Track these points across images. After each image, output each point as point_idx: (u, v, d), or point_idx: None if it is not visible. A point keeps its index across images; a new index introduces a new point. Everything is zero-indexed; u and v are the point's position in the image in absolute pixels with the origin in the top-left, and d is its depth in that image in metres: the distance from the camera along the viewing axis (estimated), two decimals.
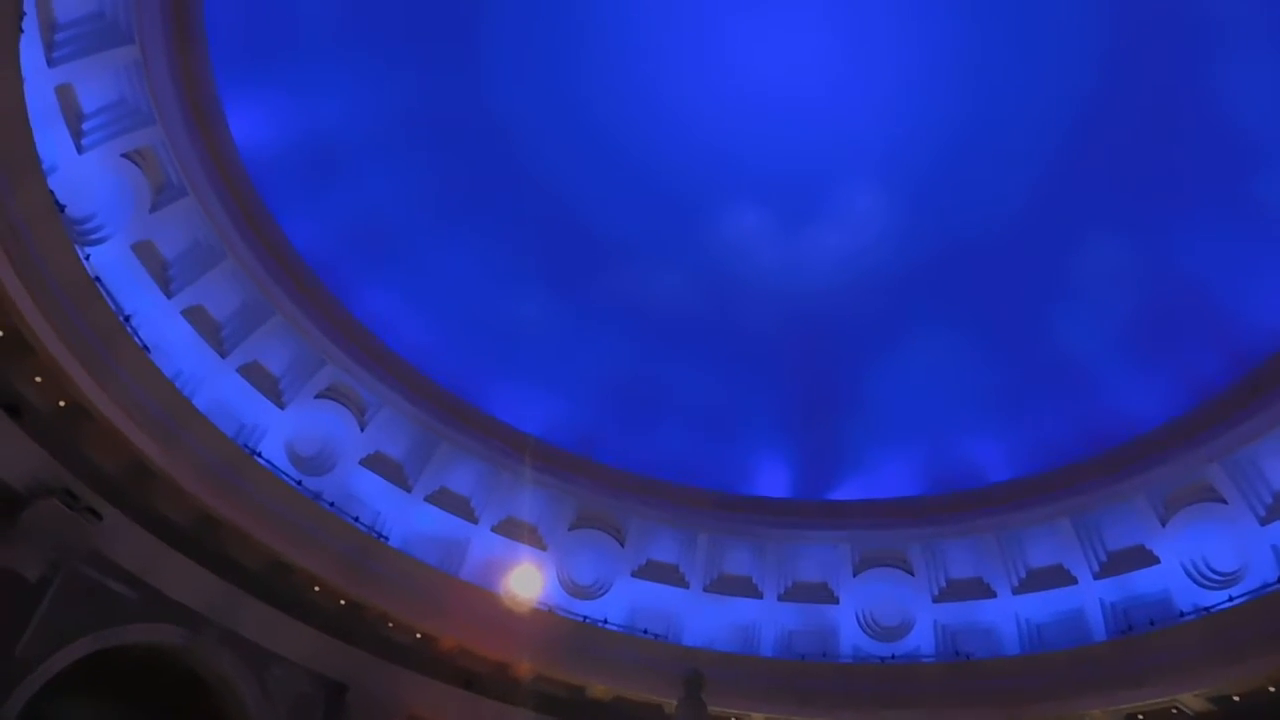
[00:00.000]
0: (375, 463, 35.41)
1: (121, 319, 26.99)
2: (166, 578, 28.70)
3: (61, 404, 26.00)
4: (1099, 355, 36.01)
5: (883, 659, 34.30)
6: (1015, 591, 34.25)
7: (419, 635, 33.06)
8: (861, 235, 38.48)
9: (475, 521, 36.37)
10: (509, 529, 36.71)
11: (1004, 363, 37.81)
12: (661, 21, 36.09)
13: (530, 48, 36.47)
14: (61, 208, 24.31)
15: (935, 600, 35.25)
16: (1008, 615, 34.12)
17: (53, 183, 23.49)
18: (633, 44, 36.47)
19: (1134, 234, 34.35)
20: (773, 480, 40.00)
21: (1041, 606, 33.73)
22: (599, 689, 33.93)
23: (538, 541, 36.89)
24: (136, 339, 27.52)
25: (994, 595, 34.48)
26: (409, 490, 35.62)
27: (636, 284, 40.14)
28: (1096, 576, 32.84)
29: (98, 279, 25.93)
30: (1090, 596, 32.75)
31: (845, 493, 38.88)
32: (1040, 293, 36.74)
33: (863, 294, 39.37)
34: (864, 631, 35.48)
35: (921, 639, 34.81)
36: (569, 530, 37.50)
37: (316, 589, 31.61)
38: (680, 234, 39.71)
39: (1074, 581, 33.29)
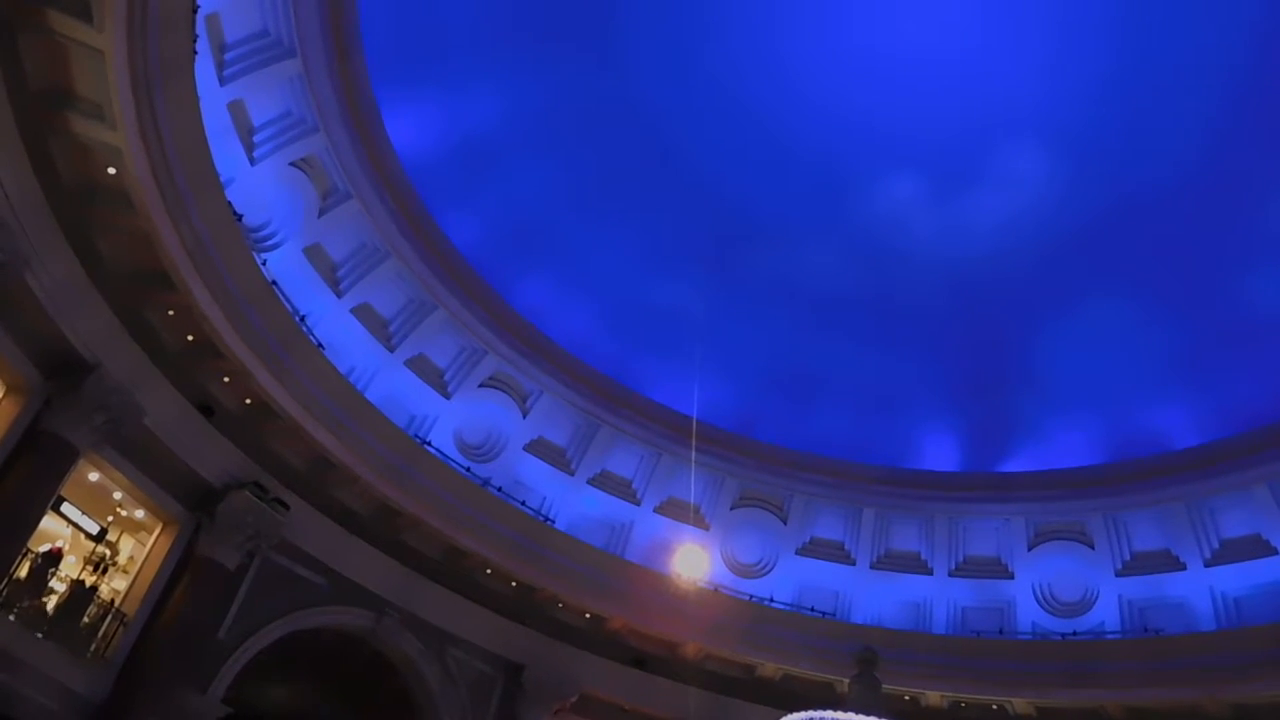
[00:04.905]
0: (538, 448, 36.20)
1: (297, 319, 28.44)
2: (351, 564, 30.42)
3: (248, 402, 27.73)
4: None
5: (1064, 636, 32.82)
6: (1208, 564, 31.98)
7: (588, 615, 33.74)
8: (1022, 198, 36.81)
9: (638, 503, 36.78)
10: (671, 509, 36.95)
11: (1186, 324, 35.40)
12: None
13: (667, 34, 36.41)
14: (239, 217, 25.86)
15: (1119, 574, 33.38)
16: (1200, 588, 31.93)
17: (230, 195, 24.93)
18: (769, 20, 35.92)
19: None
20: (940, 454, 38.75)
21: (1238, 579, 31.37)
22: (768, 668, 33.86)
23: (700, 521, 36.98)
24: (312, 338, 28.99)
25: (1184, 568, 32.34)
26: (572, 474, 36.28)
27: (790, 262, 39.56)
28: None
29: (274, 283, 27.43)
30: None
31: (1017, 465, 37.29)
32: (1224, 249, 34.17)
33: (1027, 259, 37.64)
34: (1042, 607, 34.02)
35: (1105, 614, 33.12)
36: (731, 509, 37.47)
37: (488, 572, 32.66)
38: (832, 209, 38.90)
39: (1274, 552, 30.77)
